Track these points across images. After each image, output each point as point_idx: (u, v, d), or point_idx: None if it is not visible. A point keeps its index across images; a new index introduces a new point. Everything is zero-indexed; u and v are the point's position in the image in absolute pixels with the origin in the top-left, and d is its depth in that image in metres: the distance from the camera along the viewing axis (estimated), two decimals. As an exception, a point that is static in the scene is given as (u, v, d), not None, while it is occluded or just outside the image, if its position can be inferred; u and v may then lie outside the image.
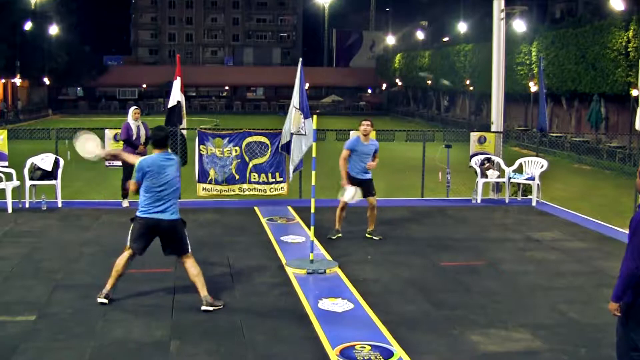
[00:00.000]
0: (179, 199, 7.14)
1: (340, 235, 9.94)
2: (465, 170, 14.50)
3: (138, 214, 6.85)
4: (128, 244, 6.94)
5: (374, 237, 9.89)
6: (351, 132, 13.38)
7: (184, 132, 12.85)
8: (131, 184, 6.87)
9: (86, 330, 6.25)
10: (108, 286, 6.99)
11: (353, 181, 9.72)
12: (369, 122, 9.81)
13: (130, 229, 6.93)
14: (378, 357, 5.74)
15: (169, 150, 7.00)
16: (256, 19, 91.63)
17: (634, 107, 26.90)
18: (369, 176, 9.83)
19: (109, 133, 12.64)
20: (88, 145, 7.37)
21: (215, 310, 6.80)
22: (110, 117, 52.06)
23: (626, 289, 4.65)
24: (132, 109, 12.01)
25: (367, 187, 9.74)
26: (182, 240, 6.92)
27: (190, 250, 6.97)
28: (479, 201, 13.25)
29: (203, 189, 12.33)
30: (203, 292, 6.83)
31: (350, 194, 9.42)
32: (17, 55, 48.20)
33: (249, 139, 12.42)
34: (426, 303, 7.21)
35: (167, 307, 6.88)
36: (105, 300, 6.94)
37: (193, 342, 6.01)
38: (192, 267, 6.91)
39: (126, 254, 6.98)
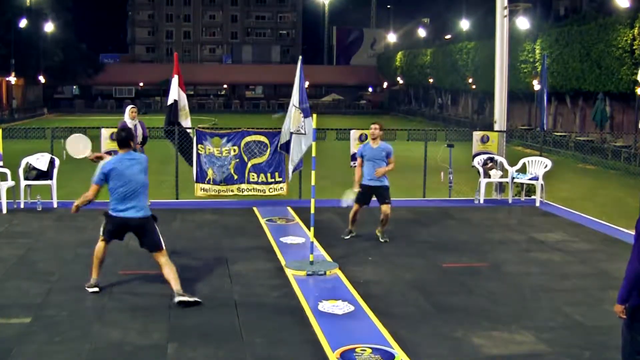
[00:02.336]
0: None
1: (352, 235, 10.02)
2: (468, 170, 14.50)
3: (109, 212, 7.16)
4: (101, 234, 7.31)
5: (380, 239, 9.85)
6: (351, 132, 13.37)
7: (189, 131, 12.78)
8: (90, 189, 7.11)
9: (82, 332, 6.24)
10: (94, 275, 7.33)
11: (364, 188, 9.64)
12: (376, 126, 9.70)
13: (103, 223, 7.26)
14: (379, 360, 5.74)
15: (132, 150, 7.30)
16: (255, 16, 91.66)
17: (639, 106, 26.92)
18: (381, 183, 9.61)
19: (105, 132, 12.63)
20: (80, 145, 7.72)
21: (212, 311, 6.80)
22: (107, 116, 52.10)
23: (632, 291, 4.65)
24: (128, 108, 12.00)
25: (379, 195, 9.65)
26: (153, 236, 7.17)
27: (164, 248, 7.19)
28: (481, 201, 13.25)
29: (201, 189, 12.33)
30: (176, 286, 6.98)
31: (346, 200, 9.62)
32: (12, 53, 48.21)
33: (248, 139, 12.42)
34: (428, 305, 7.21)
35: (164, 309, 6.87)
36: (96, 289, 7.28)
37: (191, 345, 6.01)
38: (164, 265, 7.10)
39: (101, 243, 7.31)
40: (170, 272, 7.04)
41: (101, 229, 7.29)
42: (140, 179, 7.08)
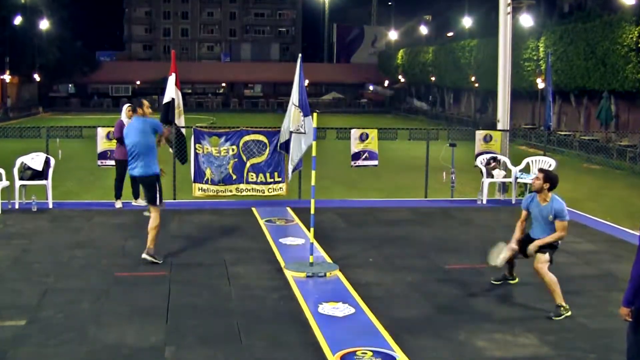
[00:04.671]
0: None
1: (510, 281, 8.08)
2: (471, 169, 14.50)
3: None
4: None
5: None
6: (352, 131, 13.35)
7: (183, 130, 12.82)
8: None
9: (78, 335, 6.24)
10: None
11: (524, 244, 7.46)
12: (539, 176, 7.37)
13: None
14: (380, 363, 5.74)
15: (140, 115, 8.58)
16: (254, 14, 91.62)
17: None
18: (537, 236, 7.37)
19: (101, 131, 12.62)
20: None
21: (210, 314, 6.81)
22: (103, 115, 52.09)
23: (637, 293, 4.65)
24: (125, 106, 12.01)
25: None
26: (151, 191, 8.60)
27: (157, 204, 8.53)
28: (484, 202, 13.24)
29: (199, 189, 12.32)
30: (150, 244, 8.41)
31: (495, 256, 7.59)
32: (7, 51, 48.23)
33: (247, 138, 12.40)
34: (430, 307, 7.21)
35: (162, 311, 6.88)
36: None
37: (189, 348, 6.01)
38: (152, 220, 8.47)
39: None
40: (151, 228, 8.40)
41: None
42: (138, 140, 8.36)
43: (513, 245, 7.47)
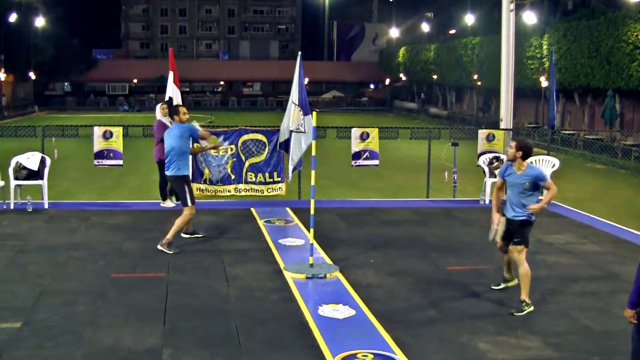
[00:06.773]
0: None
1: (509, 284, 7.89)
2: (473, 169, 14.51)
3: None
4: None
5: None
6: (352, 130, 13.36)
7: None
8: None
9: (74, 337, 6.24)
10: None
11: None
12: (512, 145, 7.52)
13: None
14: (381, 365, 5.74)
15: (178, 121, 9.37)
16: (253, 11, 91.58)
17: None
18: (518, 216, 7.61)
19: (97, 130, 12.61)
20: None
21: (208, 316, 6.82)
22: (100, 114, 52.09)
23: (642, 294, 4.65)
24: (159, 105, 12.08)
25: (511, 230, 7.65)
26: (180, 192, 9.38)
27: (188, 204, 9.24)
28: (487, 202, 13.23)
29: (197, 189, 12.30)
30: (168, 235, 9.11)
31: (492, 233, 7.65)
32: (2, 49, 48.24)
33: (245, 137, 12.40)
34: (432, 309, 7.21)
35: (159, 313, 6.88)
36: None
37: (187, 350, 6.01)
38: (181, 215, 9.28)
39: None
40: (177, 221, 9.19)
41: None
42: (174, 145, 9.18)
43: (495, 219, 7.67)
